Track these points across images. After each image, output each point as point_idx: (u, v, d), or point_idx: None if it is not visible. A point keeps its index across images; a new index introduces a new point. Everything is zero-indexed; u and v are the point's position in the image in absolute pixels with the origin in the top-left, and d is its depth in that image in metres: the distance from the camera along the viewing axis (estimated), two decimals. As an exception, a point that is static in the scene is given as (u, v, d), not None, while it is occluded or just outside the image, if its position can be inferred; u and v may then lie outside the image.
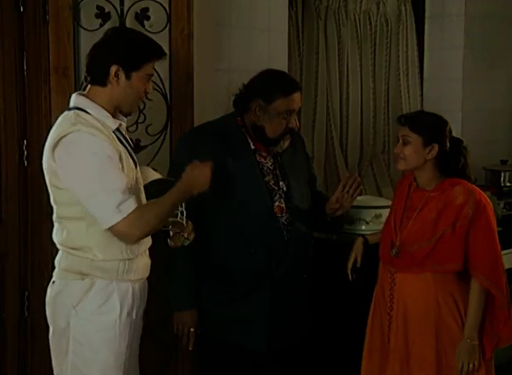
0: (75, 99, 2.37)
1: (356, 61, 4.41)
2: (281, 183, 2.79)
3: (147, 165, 2.91)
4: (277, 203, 2.76)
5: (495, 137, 5.06)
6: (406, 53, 4.69)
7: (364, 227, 3.52)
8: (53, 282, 2.44)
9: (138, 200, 2.34)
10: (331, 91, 4.28)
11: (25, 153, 2.93)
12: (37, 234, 2.95)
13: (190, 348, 2.77)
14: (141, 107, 3.03)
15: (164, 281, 2.76)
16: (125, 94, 2.36)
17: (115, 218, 2.24)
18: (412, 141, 2.67)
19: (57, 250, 2.44)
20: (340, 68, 4.32)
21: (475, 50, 4.81)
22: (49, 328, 2.48)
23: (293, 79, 2.94)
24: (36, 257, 2.97)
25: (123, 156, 2.33)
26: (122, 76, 2.33)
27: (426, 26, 4.81)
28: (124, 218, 2.24)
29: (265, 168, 2.78)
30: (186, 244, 2.50)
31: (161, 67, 2.97)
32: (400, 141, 2.71)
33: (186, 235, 2.49)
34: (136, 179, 2.42)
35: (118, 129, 2.38)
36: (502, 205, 4.26)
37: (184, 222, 2.48)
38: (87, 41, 2.79)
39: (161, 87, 3.12)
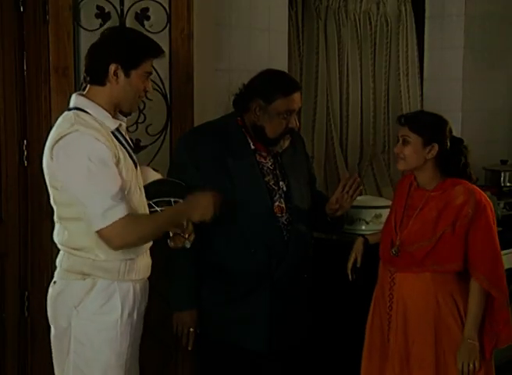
0: (75, 99, 2.37)
1: (356, 61, 4.41)
2: (281, 183, 2.79)
3: (147, 165, 2.91)
4: (277, 203, 2.76)
5: (495, 137, 5.06)
6: (406, 53, 4.69)
7: (364, 227, 3.52)
8: (54, 282, 2.44)
9: (136, 203, 2.34)
10: (331, 91, 4.28)
11: (25, 153, 2.93)
12: (37, 234, 2.95)
13: (190, 348, 2.77)
14: (141, 107, 3.03)
15: (164, 281, 2.76)
16: (124, 93, 2.36)
17: (100, 223, 2.23)
18: (412, 141, 2.67)
19: (57, 250, 2.44)
20: (340, 68, 4.32)
21: (475, 50, 4.81)
22: (49, 328, 2.49)
23: (293, 79, 2.94)
24: (36, 257, 2.97)
25: (121, 157, 2.32)
26: (121, 74, 2.34)
27: (426, 26, 4.81)
28: (110, 224, 2.23)
29: (265, 168, 2.78)
30: (187, 245, 2.49)
31: (161, 67, 2.97)
32: (400, 141, 2.71)
33: (186, 236, 2.49)
34: (136, 179, 2.42)
35: (117, 129, 2.38)
36: (502, 205, 4.26)
37: (184, 222, 2.47)
38: (87, 41, 2.78)
39: (161, 87, 3.12)
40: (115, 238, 2.26)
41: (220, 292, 2.77)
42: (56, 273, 2.44)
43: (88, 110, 2.32)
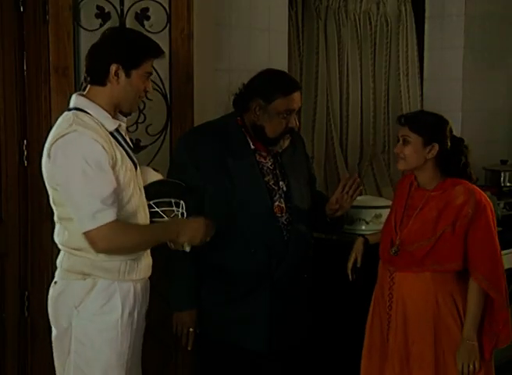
0: (75, 100, 2.37)
1: (356, 61, 4.41)
2: (281, 183, 2.79)
3: (147, 165, 2.91)
4: (277, 203, 2.76)
5: (495, 137, 5.06)
6: (406, 53, 4.69)
7: (364, 227, 3.52)
8: (55, 282, 2.44)
9: (135, 203, 2.34)
10: (331, 91, 4.29)
11: (25, 153, 2.93)
12: (37, 234, 2.95)
13: (190, 348, 2.78)
14: (141, 107, 3.03)
15: (164, 281, 2.76)
16: (125, 93, 2.36)
17: (88, 225, 2.23)
18: (412, 141, 2.67)
19: (57, 250, 2.44)
20: (340, 68, 4.32)
21: (475, 50, 4.81)
22: (49, 328, 2.48)
23: (293, 79, 2.94)
24: (36, 257, 2.97)
25: (119, 158, 2.32)
26: (122, 74, 2.34)
27: (426, 26, 4.81)
28: (96, 227, 2.23)
29: (265, 168, 2.78)
30: (186, 249, 2.48)
31: (161, 67, 2.97)
32: (400, 141, 2.71)
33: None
34: (136, 180, 2.41)
35: (117, 130, 2.38)
36: (502, 205, 4.26)
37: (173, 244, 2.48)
38: (87, 41, 2.79)
39: (161, 87, 3.12)
40: (101, 241, 2.25)
41: (220, 292, 2.77)
42: (57, 274, 2.44)
43: (88, 110, 2.32)
